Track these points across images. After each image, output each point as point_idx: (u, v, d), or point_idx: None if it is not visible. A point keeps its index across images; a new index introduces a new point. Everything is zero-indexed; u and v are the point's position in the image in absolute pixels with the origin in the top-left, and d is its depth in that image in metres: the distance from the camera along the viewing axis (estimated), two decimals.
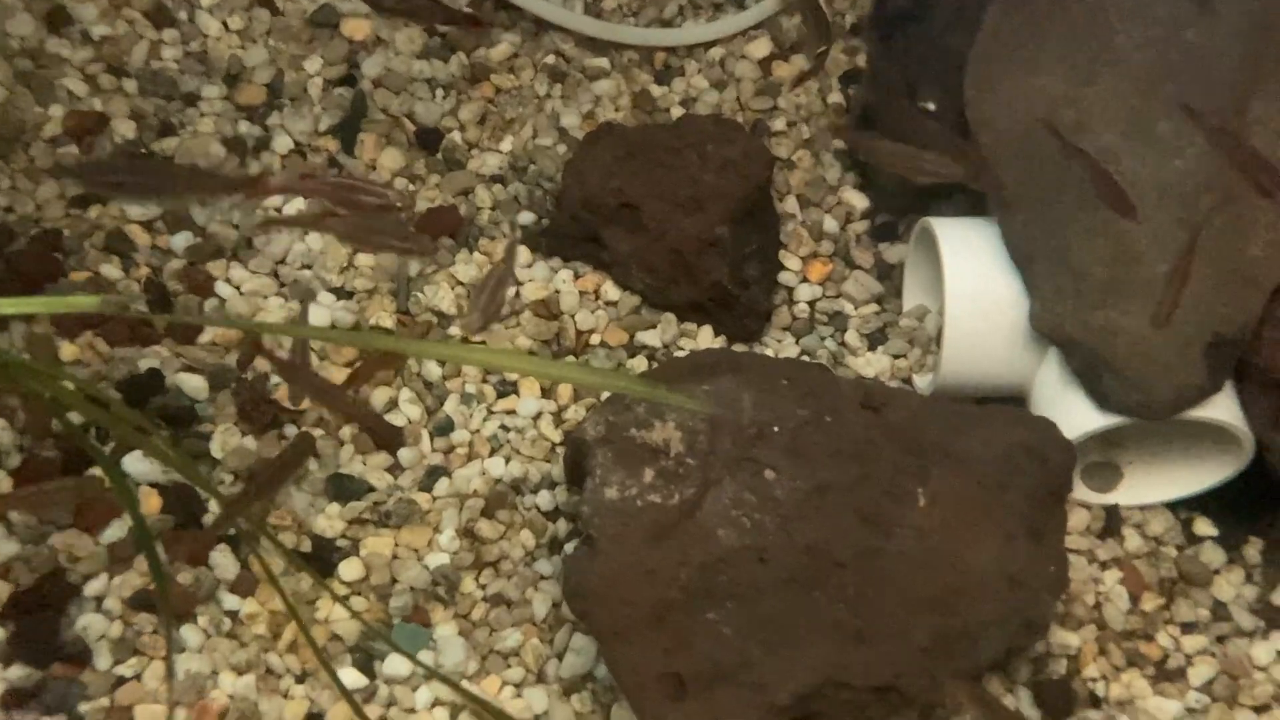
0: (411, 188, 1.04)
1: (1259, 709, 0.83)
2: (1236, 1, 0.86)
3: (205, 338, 0.94)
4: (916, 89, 0.99)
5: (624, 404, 0.79)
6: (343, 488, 0.89)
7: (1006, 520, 0.76)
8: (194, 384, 0.91)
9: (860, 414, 0.78)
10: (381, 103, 1.07)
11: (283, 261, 0.99)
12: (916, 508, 0.75)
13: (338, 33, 1.10)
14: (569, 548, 0.87)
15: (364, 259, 1.00)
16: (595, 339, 0.98)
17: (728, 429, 0.77)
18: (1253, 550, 0.90)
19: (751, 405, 0.78)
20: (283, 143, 1.04)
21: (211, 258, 0.97)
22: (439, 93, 1.09)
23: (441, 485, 0.90)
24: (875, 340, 1.00)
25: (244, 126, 1.04)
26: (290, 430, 0.91)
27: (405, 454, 0.91)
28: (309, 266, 0.99)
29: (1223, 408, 0.85)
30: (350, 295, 0.98)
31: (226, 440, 0.89)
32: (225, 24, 1.08)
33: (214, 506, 0.85)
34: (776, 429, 0.77)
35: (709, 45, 1.14)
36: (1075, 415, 0.86)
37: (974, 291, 0.90)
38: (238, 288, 0.97)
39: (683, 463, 0.76)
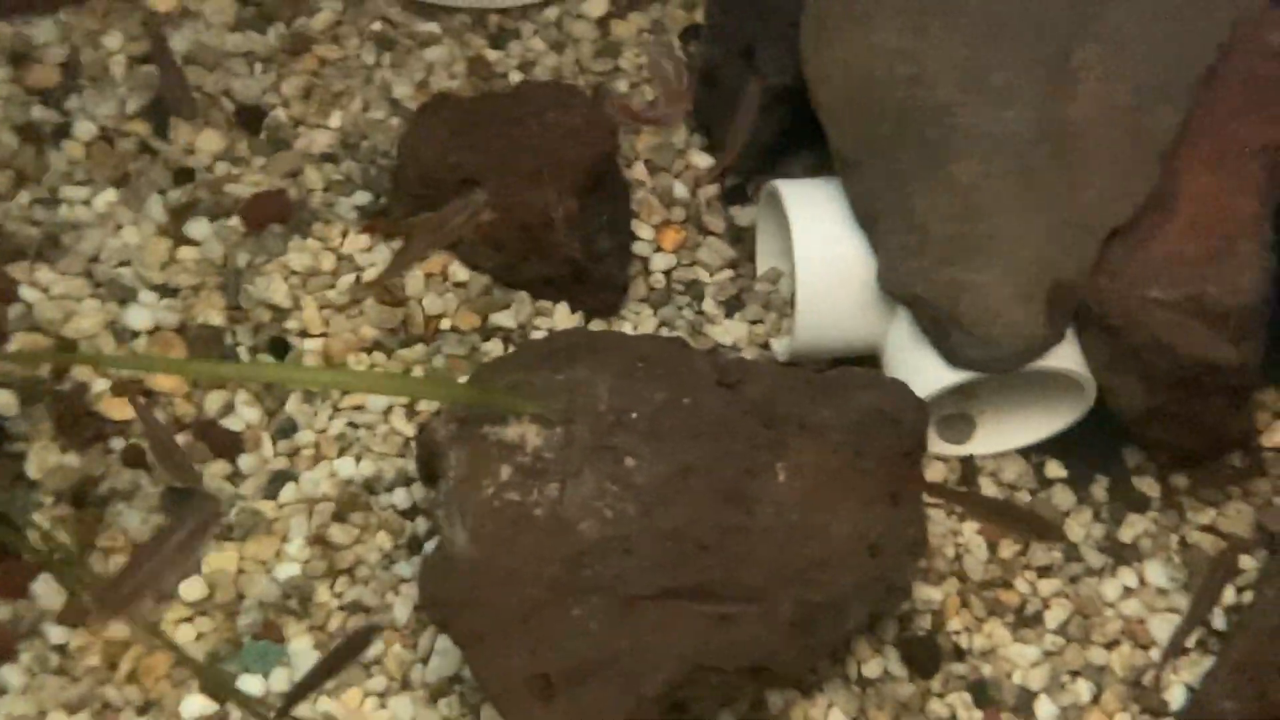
0: (234, 171, 0.97)
1: (1109, 645, 0.86)
2: None
3: (12, 347, 0.86)
4: (754, 47, 0.97)
5: None
6: (179, 500, 0.83)
7: (864, 487, 0.76)
8: (1, 399, 0.83)
9: (717, 392, 0.77)
10: (195, 80, 1.00)
11: (96, 259, 0.91)
12: (776, 483, 0.74)
13: (139, 4, 1.01)
14: (429, 547, 0.84)
15: (187, 252, 0.93)
16: (445, 324, 0.94)
17: (585, 418, 0.74)
18: (1099, 489, 0.93)
19: (608, 391, 0.76)
20: (85, 128, 0.96)
21: (12, 259, 0.89)
22: (258, 67, 1.02)
23: (288, 491, 0.85)
24: (732, 307, 0.99)
25: (38, 112, 0.95)
26: (117, 443, 0.85)
27: (245, 460, 0.86)
28: (127, 263, 0.92)
29: (1066, 355, 0.87)
30: (175, 292, 0.91)
31: (44, 458, 0.82)
32: None
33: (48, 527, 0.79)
34: (634, 415, 0.75)
35: (543, 5, 1.10)
36: (926, 372, 0.87)
37: (822, 254, 0.90)
38: (45, 291, 0.89)
39: (540, 457, 0.73)
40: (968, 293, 0.84)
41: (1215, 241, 0.82)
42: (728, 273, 1.00)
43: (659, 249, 1.00)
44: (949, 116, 0.85)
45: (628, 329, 0.96)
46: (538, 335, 0.94)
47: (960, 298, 0.84)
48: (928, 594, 0.86)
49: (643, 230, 1.01)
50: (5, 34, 0.96)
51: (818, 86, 0.90)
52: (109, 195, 0.93)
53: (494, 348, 0.94)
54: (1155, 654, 0.86)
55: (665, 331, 0.96)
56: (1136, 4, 0.86)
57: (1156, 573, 0.89)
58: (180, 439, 0.86)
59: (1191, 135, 0.84)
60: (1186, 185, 0.84)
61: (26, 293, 0.88)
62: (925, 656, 0.83)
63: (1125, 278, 0.84)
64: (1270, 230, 0.84)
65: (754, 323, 0.98)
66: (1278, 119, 0.84)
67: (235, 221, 0.95)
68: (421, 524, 0.85)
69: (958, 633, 0.85)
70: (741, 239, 1.02)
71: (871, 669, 0.83)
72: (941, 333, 0.85)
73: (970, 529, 0.89)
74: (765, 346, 0.97)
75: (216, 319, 0.91)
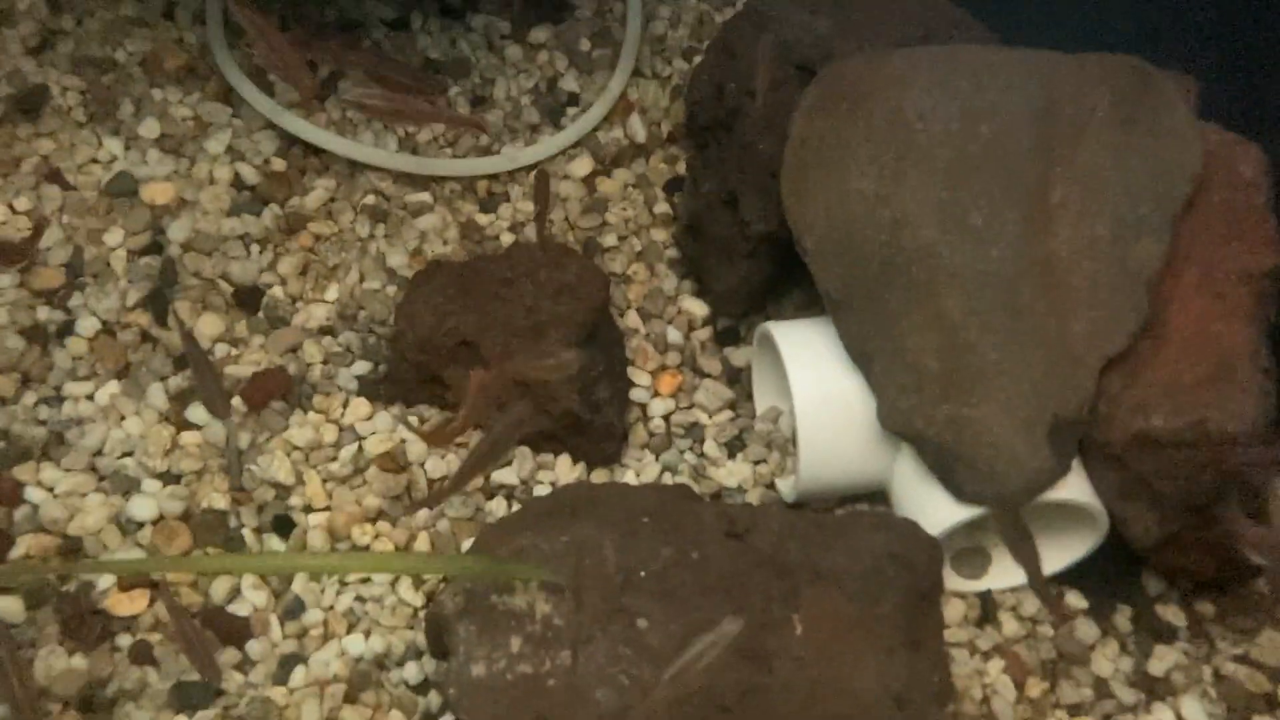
0: (234, 352, 0.98)
1: None
2: (1018, 92, 0.90)
3: (18, 551, 0.85)
4: (738, 198, 0.99)
5: None
6: (188, 696, 0.81)
7: (883, 634, 0.74)
8: (7, 606, 0.82)
9: (725, 544, 0.76)
10: (193, 267, 1.02)
11: (100, 453, 0.92)
12: (794, 635, 0.73)
13: (138, 200, 1.04)
14: None
15: (189, 437, 0.93)
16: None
17: (593, 581, 0.74)
18: (1123, 619, 0.91)
19: (615, 551, 0.75)
20: (88, 324, 0.97)
21: (17, 462, 0.89)
22: (254, 248, 1.04)
23: (298, 675, 0.84)
24: (734, 448, 0.98)
25: (43, 313, 0.97)
26: (124, 640, 0.83)
27: (254, 646, 0.85)
28: (130, 454, 0.92)
29: (1074, 486, 0.86)
30: (178, 479, 0.91)
31: (51, 664, 0.81)
32: (11, 206, 1.02)
33: None
34: (643, 573, 0.74)
35: (530, 168, 1.13)
36: (935, 509, 0.86)
37: (821, 394, 0.90)
38: (51, 490, 0.89)
39: (550, 625, 0.72)
40: (968, 428, 0.84)
41: (1211, 368, 0.82)
42: (727, 414, 1.00)
43: (656, 394, 1.01)
44: (932, 257, 0.86)
45: (630, 477, 0.96)
46: (541, 490, 0.94)
47: (962, 434, 0.84)
48: None
49: (639, 377, 1.01)
50: (12, 240, 0.99)
51: (802, 233, 0.92)
52: (111, 387, 0.94)
53: (498, 507, 0.93)
54: None
55: (669, 477, 0.96)
56: (1106, 142, 0.89)
57: (1193, 709, 0.86)
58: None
59: (1176, 265, 0.86)
60: (1177, 314, 0.85)
61: (32, 493, 0.88)
62: None
63: (1125, 406, 0.84)
64: (1266, 354, 0.84)
65: (757, 463, 0.97)
66: (1258, 245, 0.86)
67: (236, 402, 0.95)
68: (435, 698, 0.83)
69: None
70: (738, 379, 1.02)
71: None
72: (946, 469, 0.85)
73: (996, 668, 0.87)
74: (771, 486, 0.96)
75: (220, 502, 0.90)
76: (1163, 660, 0.89)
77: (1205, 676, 0.88)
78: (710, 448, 0.98)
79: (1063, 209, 0.87)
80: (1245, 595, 0.91)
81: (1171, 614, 0.91)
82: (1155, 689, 0.87)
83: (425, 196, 1.10)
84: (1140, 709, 0.87)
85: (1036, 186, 0.87)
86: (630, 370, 1.01)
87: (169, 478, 0.91)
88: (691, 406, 1.01)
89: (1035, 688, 0.87)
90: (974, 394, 0.84)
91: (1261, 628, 0.90)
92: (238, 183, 1.08)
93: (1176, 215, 0.87)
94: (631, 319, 1.05)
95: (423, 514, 0.92)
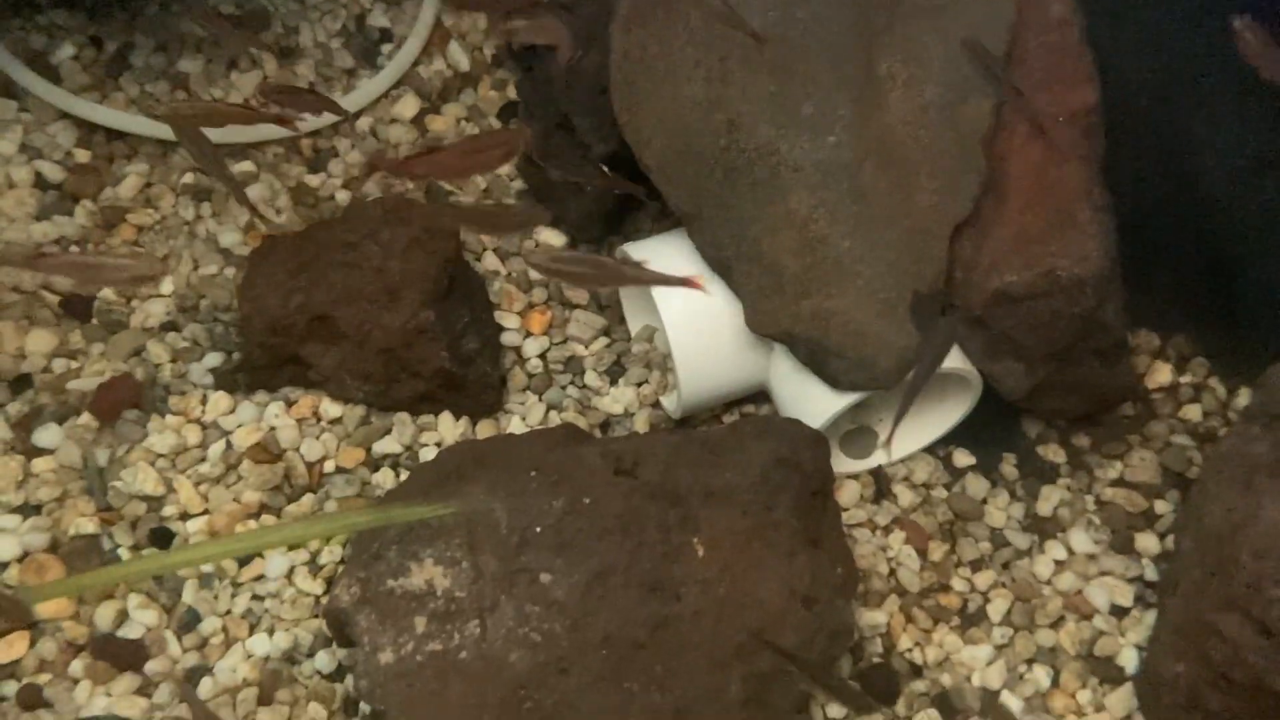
0: (73, 366, 0.92)
1: (1054, 624, 0.87)
2: None
3: None
4: (572, 118, 0.96)
5: (373, 554, 0.73)
6: None
7: (782, 540, 0.75)
8: None
9: (615, 483, 0.75)
10: (10, 281, 0.95)
11: None
12: (696, 560, 0.73)
13: None
14: (365, 708, 0.80)
15: (42, 463, 0.88)
16: (329, 466, 0.91)
17: (489, 545, 0.72)
18: (1009, 467, 0.94)
19: (506, 512, 0.74)
20: None
21: None
22: (74, 250, 0.97)
23: (205, 686, 0.81)
24: (615, 374, 0.97)
25: None
26: (9, 687, 0.79)
27: (153, 666, 0.82)
28: None
29: None
30: (38, 510, 0.86)
31: None
32: None
33: None
34: (538, 529, 0.73)
35: (355, 117, 1.07)
36: (814, 402, 0.86)
37: (689, 308, 0.89)
38: None
39: (453, 599, 0.71)
40: (833, 320, 0.84)
41: (1053, 215, 0.83)
42: (603, 341, 0.99)
43: (529, 335, 0.99)
44: (772, 154, 0.85)
45: (516, 422, 0.94)
46: (426, 453, 0.92)
47: (828, 325, 0.84)
48: (872, 618, 0.86)
49: (508, 320, 0.99)
50: None
51: (641, 150, 0.89)
52: None
53: (384, 478, 0.91)
54: (1099, 622, 0.87)
55: (555, 415, 0.95)
56: (922, 5, 0.87)
57: (1081, 539, 0.91)
58: (78, 664, 0.81)
59: (1005, 117, 0.86)
60: (1013, 167, 0.85)
61: None
62: (884, 683, 0.83)
63: (979, 269, 0.85)
64: (1101, 191, 0.86)
65: (640, 385, 0.97)
66: (1079, 82, 0.86)
67: (86, 418, 0.90)
68: (351, 682, 0.82)
69: (910, 650, 0.85)
70: (608, 304, 1.00)
71: (836, 710, 0.82)
72: (819, 362, 0.85)
73: (898, 540, 0.89)
74: (656, 406, 0.96)
75: (89, 526, 0.86)
76: (1049, 500, 0.92)
77: (1089, 506, 0.92)
78: (591, 378, 0.97)
79: (890, 81, 0.86)
80: (1115, 421, 0.95)
81: (1052, 452, 0.95)
82: (1046, 528, 0.91)
83: (248, 165, 1.04)
84: (1035, 550, 0.90)
85: (862, 63, 0.86)
86: (498, 314, 0.99)
87: (27, 510, 0.86)
88: (566, 340, 0.99)
89: (937, 551, 0.89)
90: (833, 285, 0.84)
91: (1132, 449, 0.94)
92: (41, 183, 1.00)
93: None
94: (490, 261, 1.01)
95: (307, 499, 0.89)
